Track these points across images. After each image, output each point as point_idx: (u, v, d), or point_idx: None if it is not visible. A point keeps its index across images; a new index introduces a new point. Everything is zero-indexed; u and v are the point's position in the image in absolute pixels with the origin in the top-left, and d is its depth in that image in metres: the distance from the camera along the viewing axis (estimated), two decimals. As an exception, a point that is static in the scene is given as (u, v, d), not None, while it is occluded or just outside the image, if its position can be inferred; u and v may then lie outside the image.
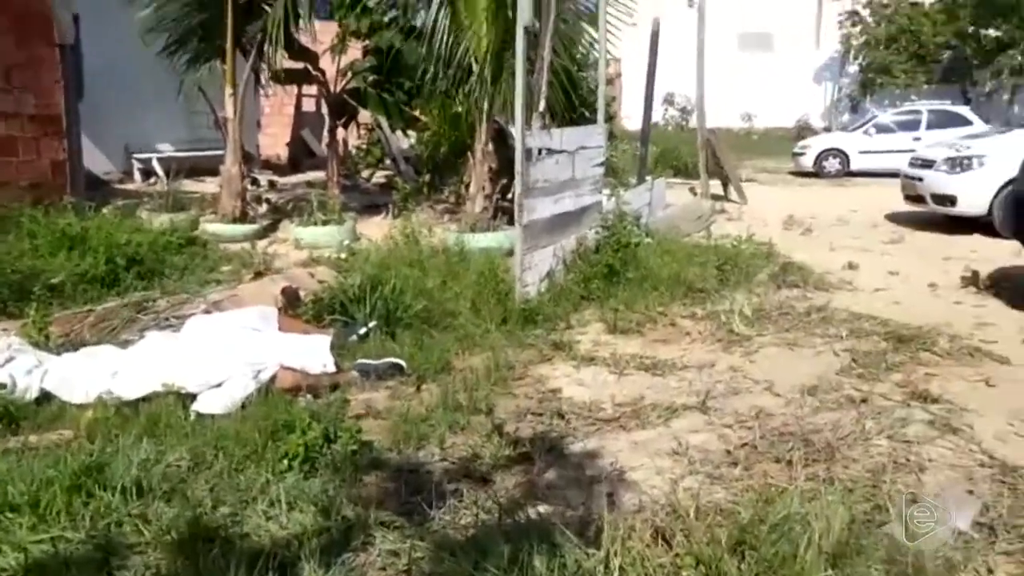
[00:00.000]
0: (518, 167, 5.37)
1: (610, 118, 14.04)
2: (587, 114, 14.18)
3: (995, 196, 8.17)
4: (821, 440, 3.23)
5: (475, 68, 7.89)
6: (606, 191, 8.55)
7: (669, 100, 28.55)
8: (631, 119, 27.56)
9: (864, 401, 3.70)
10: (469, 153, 8.52)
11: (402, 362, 4.34)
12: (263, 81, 10.31)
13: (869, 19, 27.35)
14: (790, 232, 9.39)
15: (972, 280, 6.33)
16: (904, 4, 26.76)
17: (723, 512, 2.55)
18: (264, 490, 2.89)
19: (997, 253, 7.21)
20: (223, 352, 4.12)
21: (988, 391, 3.85)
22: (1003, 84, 25.63)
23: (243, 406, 3.78)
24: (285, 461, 3.12)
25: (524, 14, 5.34)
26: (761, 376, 4.17)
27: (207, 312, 5.14)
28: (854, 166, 17.80)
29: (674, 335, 5.06)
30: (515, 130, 5.42)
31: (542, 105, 6.10)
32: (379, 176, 14.46)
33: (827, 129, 27.00)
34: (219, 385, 3.97)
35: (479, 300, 5.40)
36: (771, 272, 6.61)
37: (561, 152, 6.09)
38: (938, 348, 4.46)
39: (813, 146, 18.83)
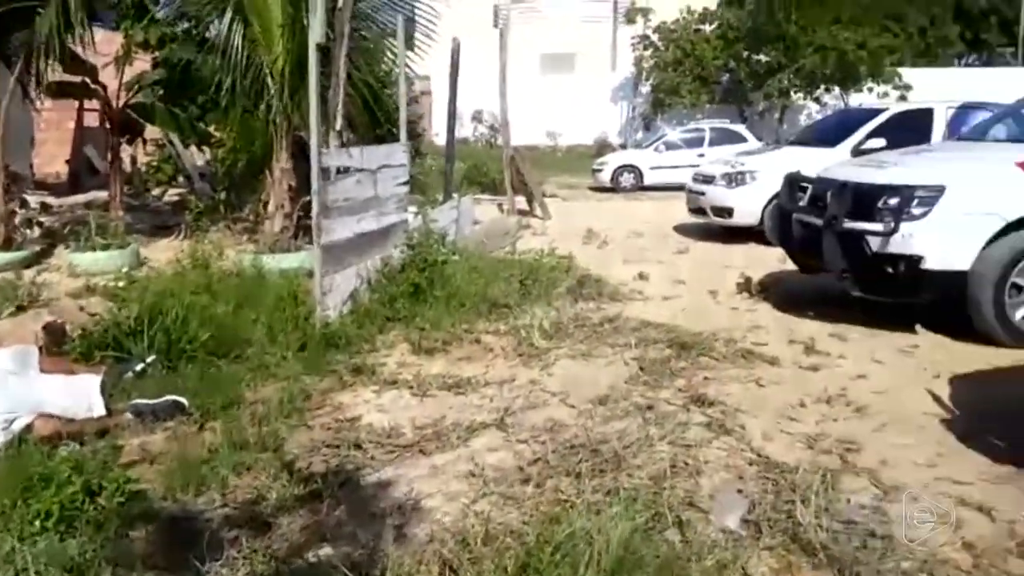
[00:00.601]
0: (314, 186, 5.19)
1: (417, 135, 14.03)
2: (394, 131, 14.14)
3: (765, 208, 8.97)
4: (609, 450, 3.34)
5: (271, 83, 7.57)
6: (413, 209, 8.51)
7: (477, 117, 29.16)
8: (440, 136, 27.86)
9: (650, 408, 3.88)
10: (267, 170, 8.15)
11: (183, 399, 4.02)
12: (32, 95, 9.31)
13: (659, 43, 29.40)
14: (589, 246, 9.80)
15: (746, 286, 6.88)
16: (688, 30, 29.03)
17: (513, 534, 2.55)
18: (9, 559, 2.55)
19: (768, 259, 7.89)
20: (-30, 401, 3.63)
21: (759, 391, 4.18)
22: (774, 104, 28.48)
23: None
24: (37, 522, 2.77)
25: (316, 31, 5.19)
26: (557, 388, 4.27)
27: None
28: (647, 181, 18.99)
29: (478, 352, 5.08)
30: (312, 147, 5.23)
31: (339, 123, 5.94)
32: (172, 194, 13.53)
33: (623, 146, 28.68)
34: (-35, 438, 3.50)
35: (276, 326, 5.15)
36: (570, 285, 6.83)
37: (362, 171, 5.96)
38: (716, 352, 4.78)
39: (610, 163, 19.91)
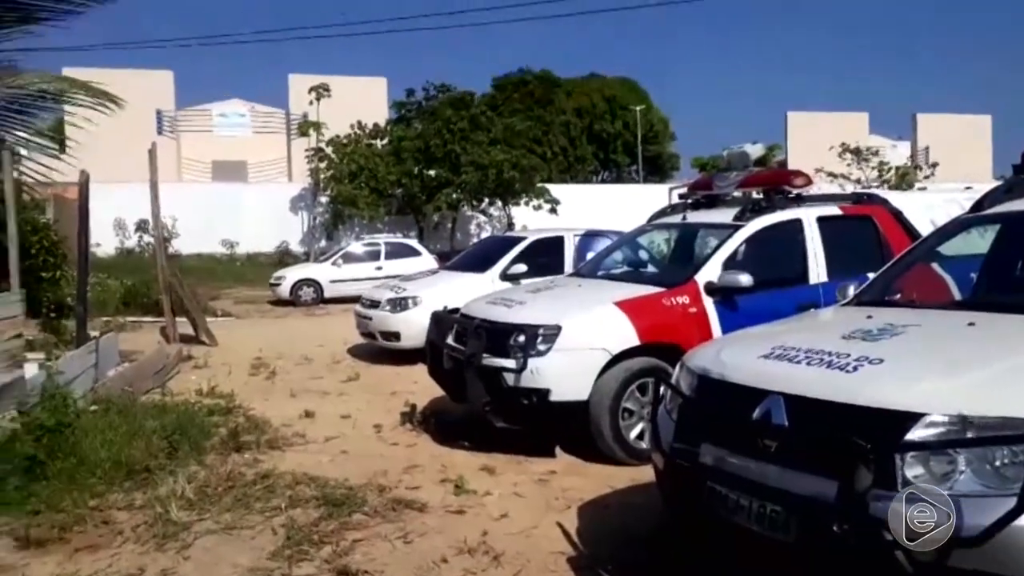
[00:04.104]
0: None
1: (59, 263, 12.57)
2: (48, 259, 12.55)
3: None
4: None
5: None
6: (37, 357, 7.52)
7: (143, 227, 27.11)
8: (103, 245, 25.42)
9: (292, 589, 3.70)
10: None
11: None
12: None
13: (333, 156, 30.08)
14: (256, 377, 9.41)
15: (409, 416, 7.05)
16: (361, 145, 30.15)
17: None
18: None
19: (434, 384, 8.19)
20: None
21: (404, 549, 4.19)
22: (445, 216, 30.45)
23: None
24: None
25: None
26: (193, 576, 3.91)
27: None
28: (327, 294, 19.01)
29: (105, 537, 4.48)
30: None
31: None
32: None
33: (306, 255, 28.57)
34: None
35: None
36: (224, 434, 6.42)
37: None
38: (368, 507, 4.74)
39: (288, 276, 19.63)
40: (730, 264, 6.14)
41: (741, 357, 3.66)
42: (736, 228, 6.37)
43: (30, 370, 6.72)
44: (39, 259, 12.33)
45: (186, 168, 34.77)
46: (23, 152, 9.51)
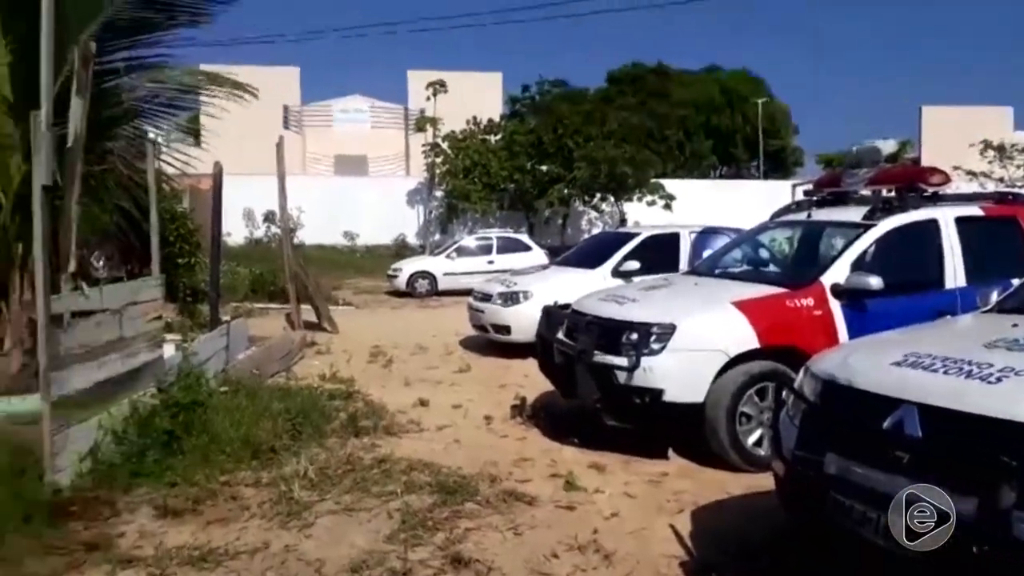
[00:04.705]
0: (41, 336, 4.73)
1: (194, 251, 13.39)
2: (184, 247, 13.44)
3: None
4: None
5: (4, 209, 6.94)
6: (176, 338, 8.01)
7: (270, 219, 28.51)
8: (232, 235, 26.93)
9: (406, 574, 3.80)
10: (4, 303, 7.35)
11: None
12: None
13: (448, 151, 30.68)
14: (373, 365, 9.72)
15: (519, 409, 7.10)
16: (475, 140, 30.60)
17: None
18: None
19: (544, 379, 8.21)
20: None
21: (515, 541, 4.23)
22: (556, 211, 30.48)
23: None
24: None
25: (41, 173, 4.84)
26: (314, 554, 4.08)
27: None
28: (441, 286, 19.42)
29: (233, 512, 4.74)
30: (39, 295, 4.80)
31: (72, 265, 5.52)
32: None
33: (422, 247, 29.25)
34: None
35: (-2, 495, 4.53)
36: (345, 419, 6.67)
37: (104, 311, 5.54)
38: (480, 496, 4.82)
39: (405, 269, 20.18)
40: (859, 265, 5.84)
41: (872, 363, 3.49)
42: (866, 228, 6.06)
43: (168, 350, 7.20)
44: (176, 246, 13.15)
45: (310, 162, 36.28)
46: (162, 144, 10.16)
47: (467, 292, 13.26)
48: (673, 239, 10.25)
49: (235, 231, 27.75)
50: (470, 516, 4.55)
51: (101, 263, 10.81)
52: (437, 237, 30.70)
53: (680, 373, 5.41)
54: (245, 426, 5.98)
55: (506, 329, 10.16)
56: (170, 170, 10.02)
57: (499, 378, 8.81)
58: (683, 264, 9.61)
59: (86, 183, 6.60)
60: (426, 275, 19.84)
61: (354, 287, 21.93)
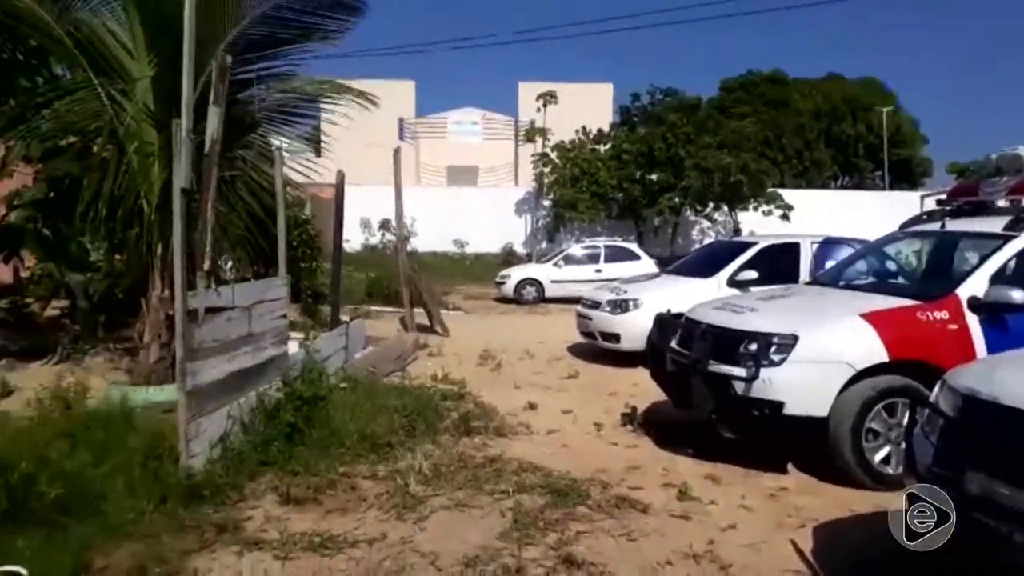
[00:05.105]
0: (178, 329, 5.05)
1: (314, 255, 13.99)
2: (306, 251, 14.11)
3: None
4: (470, 629, 3.25)
5: (147, 210, 7.46)
6: (299, 336, 8.36)
7: (385, 226, 29.40)
8: (351, 241, 27.98)
9: (518, 571, 3.82)
10: (144, 298, 7.90)
11: (22, 570, 3.70)
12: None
13: (557, 160, 30.78)
14: (483, 368, 9.84)
15: (630, 417, 7.02)
16: (585, 150, 30.58)
17: None
18: None
19: (655, 387, 8.10)
20: None
21: (628, 546, 4.19)
22: (666, 220, 30.02)
23: None
24: None
25: (180, 176, 5.18)
26: (428, 547, 4.16)
27: None
28: (548, 293, 19.50)
29: (352, 502, 4.91)
30: (176, 291, 5.13)
31: (207, 264, 5.87)
32: (54, 309, 12.88)
33: (529, 255, 29.47)
34: None
35: (136, 476, 4.86)
36: (456, 418, 6.79)
37: (234, 308, 5.86)
38: (592, 500, 4.79)
39: (513, 276, 20.38)
40: (999, 278, 5.48)
41: (1019, 380, 3.26)
42: (1007, 239, 5.68)
43: (292, 347, 7.53)
44: (299, 251, 13.78)
45: (424, 172, 37.23)
46: (286, 154, 10.66)
47: (574, 300, 13.28)
48: (793, 249, 9.88)
49: (352, 238, 28.75)
50: (581, 519, 4.53)
51: (229, 265, 11.44)
52: (544, 246, 30.83)
53: (802, 386, 5.21)
54: (363, 421, 6.20)
55: (615, 337, 10.08)
56: (295, 177, 10.52)
57: (608, 386, 8.73)
58: (804, 275, 9.26)
59: (218, 188, 7.02)
60: (533, 282, 19.97)
61: (463, 293, 22.33)
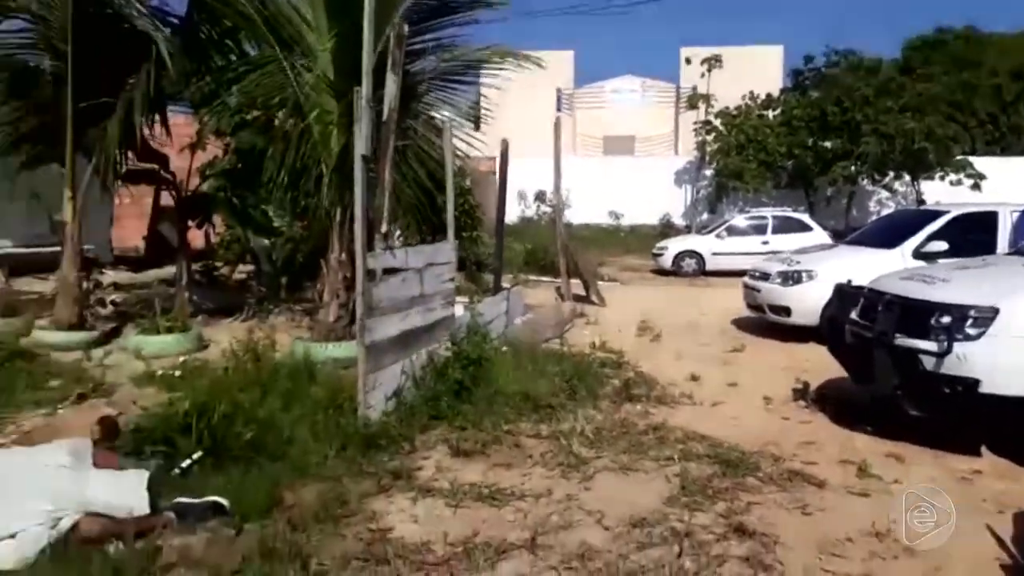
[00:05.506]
0: (359, 288, 5.33)
1: (475, 225, 14.34)
2: (467, 221, 14.53)
3: (824, 308, 8.76)
4: (639, 584, 3.24)
5: (326, 177, 7.89)
6: (463, 300, 8.62)
7: (541, 197, 29.61)
8: (507, 216, 28.41)
9: (687, 535, 3.76)
10: (323, 260, 8.42)
11: (224, 501, 4.07)
12: (109, 183, 9.91)
13: (721, 128, 29.60)
14: (642, 338, 9.72)
15: (802, 393, 6.70)
16: (752, 116, 29.19)
17: None
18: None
19: (829, 362, 7.67)
20: (21, 496, 3.75)
21: (803, 520, 4.01)
22: (840, 190, 28.16)
23: (37, 560, 3.45)
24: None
25: (360, 144, 5.43)
26: (594, 506, 4.19)
27: (17, 443, 4.73)
28: (709, 266, 18.89)
29: (517, 458, 5.03)
30: (357, 252, 5.40)
31: (384, 227, 6.13)
32: (240, 272, 14.06)
33: (688, 228, 28.69)
34: (13, 536, 3.61)
35: (319, 423, 5.22)
36: (617, 385, 6.76)
37: (408, 270, 6.11)
38: (762, 472, 4.63)
39: (671, 247, 19.90)
40: None
41: None
42: None
43: (458, 310, 7.78)
44: (461, 220, 14.14)
45: (580, 143, 37.05)
46: (453, 122, 10.88)
47: (736, 273, 12.79)
48: (990, 219, 8.94)
49: (508, 209, 29.10)
50: (752, 491, 4.39)
51: (397, 233, 11.97)
52: (704, 217, 29.87)
53: (1003, 363, 4.74)
54: (525, 383, 6.33)
55: (785, 310, 9.59)
56: (460, 145, 10.76)
57: (777, 361, 8.37)
58: (1002, 246, 8.40)
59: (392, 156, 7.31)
60: (693, 254, 19.42)
61: (619, 265, 22.11)
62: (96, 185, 9.03)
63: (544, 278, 16.11)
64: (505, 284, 11.52)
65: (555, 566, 3.49)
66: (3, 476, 3.92)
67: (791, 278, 9.56)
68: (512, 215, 30.44)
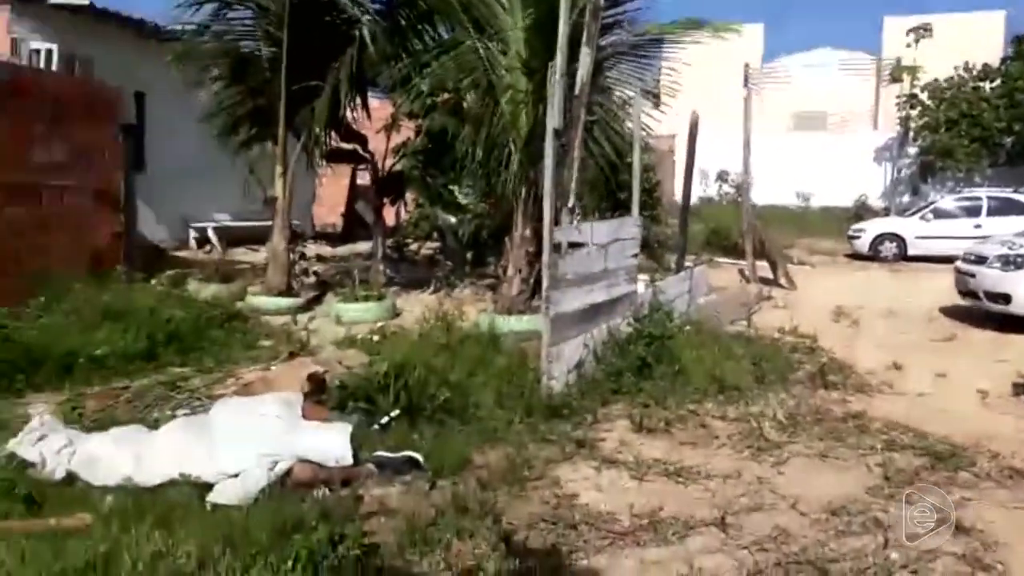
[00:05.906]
0: (545, 260, 5.41)
1: (655, 200, 14.09)
2: (648, 199, 14.33)
3: (1052, 298, 7.87)
4: (839, 572, 3.07)
5: (514, 156, 8.05)
6: (645, 277, 8.52)
7: (723, 177, 28.58)
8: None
9: (892, 527, 3.51)
10: (508, 236, 8.62)
11: (419, 456, 4.30)
12: (315, 161, 10.69)
13: (928, 102, 27.08)
14: (837, 324, 9.15)
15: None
16: (965, 88, 26.48)
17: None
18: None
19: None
20: (243, 441, 4.15)
21: (1025, 520, 3.63)
22: (1069, 170, 24.95)
23: (258, 499, 3.81)
24: (289, 562, 3.09)
25: (553, 118, 5.46)
26: (787, 490, 4.01)
27: (237, 394, 5.23)
28: (911, 251, 17.39)
29: (703, 437, 4.92)
30: (545, 224, 5.47)
31: (571, 201, 6.16)
32: (428, 249, 14.72)
33: (886, 210, 26.56)
34: (236, 475, 4.00)
35: (505, 391, 5.37)
36: (810, 371, 6.42)
37: (593, 244, 6.12)
38: (978, 468, 4.23)
39: (869, 229, 18.52)
40: None
41: None
42: None
43: (640, 287, 7.70)
44: (642, 197, 13.95)
45: (768, 119, 35.33)
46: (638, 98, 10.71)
47: (943, 260, 11.70)
48: None
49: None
50: (966, 486, 4.03)
51: (576, 210, 12.05)
52: (906, 199, 27.53)
53: None
54: (709, 363, 6.16)
55: (1005, 298, 8.64)
56: (646, 120, 10.57)
57: (995, 352, 7.60)
58: None
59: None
60: (894, 237, 17.92)
61: (808, 247, 20.89)
62: (303, 163, 9.79)
63: (726, 259, 15.58)
64: (688, 263, 11.25)
65: (747, 546, 3.38)
66: (227, 423, 4.35)
67: (1013, 263, 8.60)
68: (693, 195, 29.63)
